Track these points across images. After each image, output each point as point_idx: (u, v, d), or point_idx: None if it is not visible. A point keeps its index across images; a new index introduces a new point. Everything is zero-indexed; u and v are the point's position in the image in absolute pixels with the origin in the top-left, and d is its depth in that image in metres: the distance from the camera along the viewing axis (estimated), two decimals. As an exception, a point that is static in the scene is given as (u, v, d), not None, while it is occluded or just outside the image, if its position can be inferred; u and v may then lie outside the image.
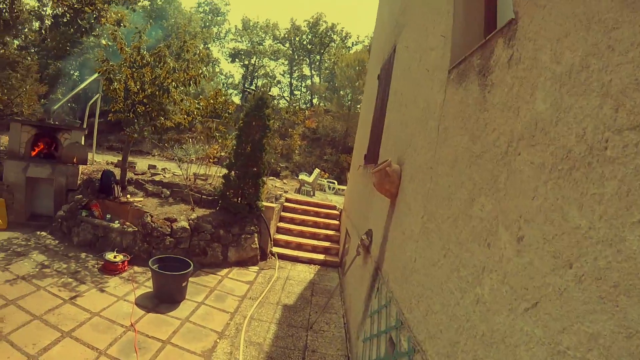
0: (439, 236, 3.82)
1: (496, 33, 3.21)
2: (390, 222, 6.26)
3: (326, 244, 13.51)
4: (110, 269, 10.31)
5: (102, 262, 10.49)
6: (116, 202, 12.79)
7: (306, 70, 46.45)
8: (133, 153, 24.31)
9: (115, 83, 12.73)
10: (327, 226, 14.60)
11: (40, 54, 27.06)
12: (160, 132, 13.73)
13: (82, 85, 15.56)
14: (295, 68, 45.76)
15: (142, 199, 13.38)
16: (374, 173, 6.11)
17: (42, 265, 10.12)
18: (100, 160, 16.45)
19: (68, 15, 10.77)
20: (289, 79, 45.42)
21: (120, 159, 17.09)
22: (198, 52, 13.42)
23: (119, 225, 11.85)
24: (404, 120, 6.55)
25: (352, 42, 44.99)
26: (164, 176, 15.48)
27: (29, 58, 23.46)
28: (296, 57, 44.60)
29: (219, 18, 45.03)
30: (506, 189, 2.70)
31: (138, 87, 12.77)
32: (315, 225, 14.65)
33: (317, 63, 44.53)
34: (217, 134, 14.82)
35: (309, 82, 45.29)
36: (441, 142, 4.33)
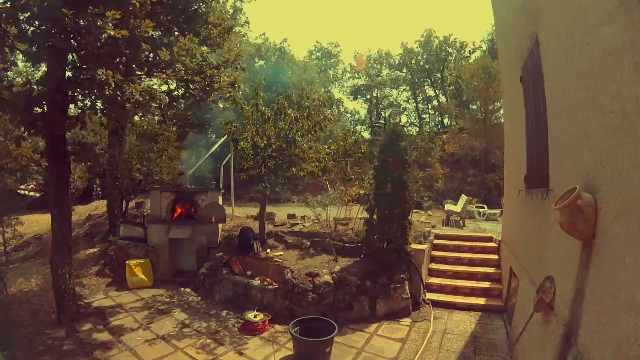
0: None
1: None
2: (587, 274, 4.40)
3: (485, 284, 11.39)
4: (250, 329, 9.65)
5: (242, 322, 9.90)
6: (256, 258, 12.29)
7: (430, 91, 43.89)
8: (272, 202, 24.41)
9: (242, 142, 12.41)
10: (484, 262, 12.38)
11: (177, 125, 29.04)
12: (293, 182, 13.08)
13: (213, 149, 15.87)
14: (418, 91, 43.46)
15: (282, 252, 12.70)
16: (559, 210, 4.29)
17: (182, 324, 9.88)
18: (241, 214, 16.43)
19: (182, 88, 10.64)
20: (414, 104, 43.21)
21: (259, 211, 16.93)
22: (318, 97, 12.63)
23: (259, 282, 11.28)
24: (584, 129, 4.70)
25: (469, 50, 41.40)
26: (304, 225, 14.75)
27: (173, 129, 25.30)
28: (416, 80, 42.24)
29: (332, 60, 45.10)
30: None
31: (265, 142, 12.30)
32: (471, 262, 12.51)
33: (440, 81, 41.74)
34: (353, 175, 13.79)
35: (435, 102, 42.61)
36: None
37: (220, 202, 13.80)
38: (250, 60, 32.13)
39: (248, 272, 11.99)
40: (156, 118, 30.38)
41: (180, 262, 13.93)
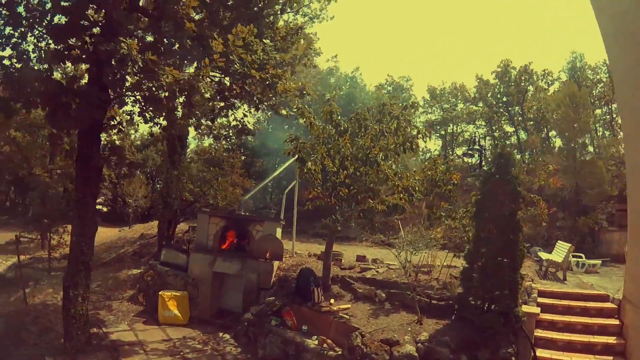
0: None
1: None
2: None
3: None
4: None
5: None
6: (315, 310, 9.34)
7: (507, 127, 38.67)
8: (338, 239, 21.10)
9: (310, 163, 9.59)
10: (603, 330, 8.54)
11: (245, 153, 27.20)
12: (369, 216, 9.99)
13: (276, 173, 12.97)
14: (494, 127, 38.48)
15: (349, 305, 9.77)
16: None
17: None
18: (302, 251, 13.41)
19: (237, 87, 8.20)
20: (492, 141, 38.07)
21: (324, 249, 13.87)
22: (402, 114, 9.51)
23: (316, 343, 8.52)
24: None
25: (548, 82, 35.96)
26: (377, 271, 11.54)
27: (241, 157, 23.38)
28: (494, 115, 37.23)
29: (404, 95, 41.64)
30: None
31: (337, 165, 9.47)
32: (586, 329, 8.67)
33: (519, 115, 36.63)
34: (442, 213, 10.42)
35: (513, 139, 37.21)
36: None
37: (279, 235, 10.87)
38: (320, 87, 29.82)
39: (303, 328, 9.12)
40: (224, 143, 28.91)
41: (224, 299, 11.19)
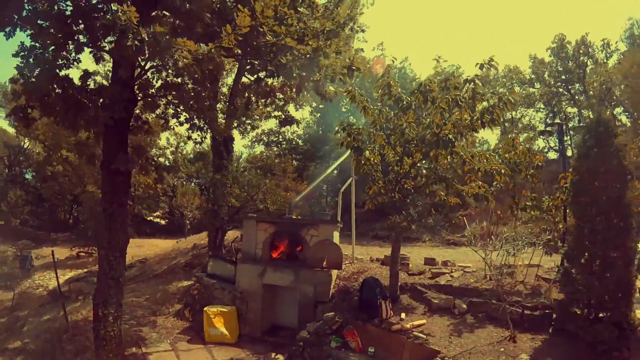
0: None
1: None
2: None
3: None
4: None
5: None
6: (384, 328, 7.58)
7: (569, 108, 33.83)
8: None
9: (367, 152, 7.89)
10: None
11: (297, 158, 25.88)
12: (443, 212, 8.14)
13: (328, 171, 11.24)
14: (555, 109, 33.95)
15: (423, 320, 7.95)
16: None
17: None
18: (363, 256, 11.59)
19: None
20: (552, 123, 33.41)
21: (388, 253, 11.97)
22: (478, 78, 7.47)
23: None
24: None
25: (609, 52, 31.35)
26: (452, 276, 9.55)
27: (293, 162, 22.13)
28: (553, 97, 32.65)
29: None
30: None
31: (400, 152, 7.69)
32: None
33: (580, 94, 32.04)
34: (527, 203, 8.31)
35: (575, 121, 32.64)
36: None
37: (336, 239, 9.14)
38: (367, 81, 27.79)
39: (370, 350, 7.40)
40: (275, 150, 27.85)
41: (277, 314, 9.59)
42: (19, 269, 18.85)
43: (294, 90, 9.31)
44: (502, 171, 7.62)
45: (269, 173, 13.82)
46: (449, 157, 7.55)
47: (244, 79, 11.80)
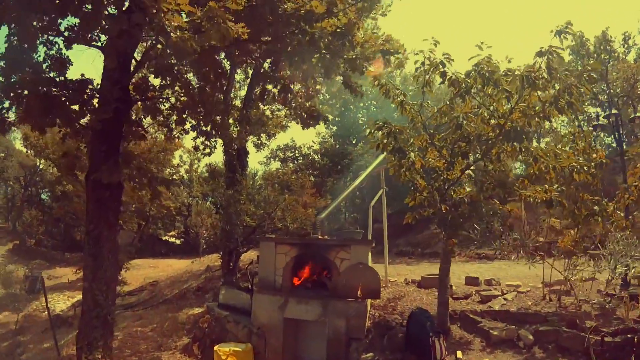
0: None
1: None
2: None
3: None
4: None
5: None
6: None
7: (589, 108, 30.44)
8: (425, 256, 17.09)
9: (413, 154, 6.23)
10: None
11: (314, 174, 24.26)
12: (491, 224, 6.47)
13: (357, 182, 9.54)
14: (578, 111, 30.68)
15: (485, 358, 5.90)
16: None
17: None
18: (396, 278, 9.76)
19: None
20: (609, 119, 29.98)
21: (420, 272, 10.16)
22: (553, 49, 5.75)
23: None
24: None
25: (627, 46, 28.13)
26: (504, 299, 7.81)
27: (310, 177, 20.58)
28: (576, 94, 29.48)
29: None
30: None
31: (446, 156, 6.08)
32: None
33: (604, 93, 28.74)
34: (596, 207, 6.49)
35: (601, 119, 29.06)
36: None
37: (370, 261, 7.37)
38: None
39: None
40: (291, 165, 26.24)
41: (300, 350, 7.77)
42: (25, 291, 17.42)
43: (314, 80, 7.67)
44: (585, 168, 5.88)
45: (286, 189, 12.19)
46: (515, 155, 5.86)
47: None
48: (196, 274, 17.04)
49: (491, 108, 5.88)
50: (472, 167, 6.50)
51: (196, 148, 8.30)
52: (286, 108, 11.53)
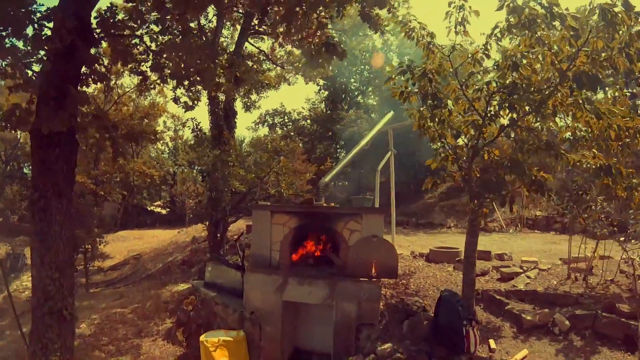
0: None
1: None
2: None
3: None
4: None
5: None
6: None
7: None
8: (419, 226, 16.03)
9: (451, 102, 5.13)
10: None
11: (304, 140, 22.78)
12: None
13: (362, 143, 8.08)
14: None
15: (523, 349, 5.15)
16: None
17: None
18: (400, 250, 8.49)
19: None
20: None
21: (421, 243, 8.96)
22: None
23: None
24: None
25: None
26: (527, 276, 6.71)
27: (299, 143, 19.19)
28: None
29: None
30: None
31: (479, 110, 4.92)
32: None
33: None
34: (634, 180, 5.30)
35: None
36: None
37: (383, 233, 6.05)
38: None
39: None
40: (279, 131, 24.76)
41: (302, 336, 6.59)
42: (6, 270, 15.89)
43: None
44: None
45: (275, 155, 10.72)
46: (581, 107, 4.52)
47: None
48: (181, 246, 15.68)
49: (555, 48, 4.49)
50: (518, 123, 5.15)
51: (176, 100, 6.75)
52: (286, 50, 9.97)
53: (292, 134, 22.09)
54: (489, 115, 5.04)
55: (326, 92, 24.21)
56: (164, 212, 31.68)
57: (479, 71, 5.15)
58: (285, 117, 25.49)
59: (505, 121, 5.06)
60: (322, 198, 6.44)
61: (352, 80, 24.26)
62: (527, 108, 4.81)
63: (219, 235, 9.54)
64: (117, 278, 14.02)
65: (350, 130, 19.64)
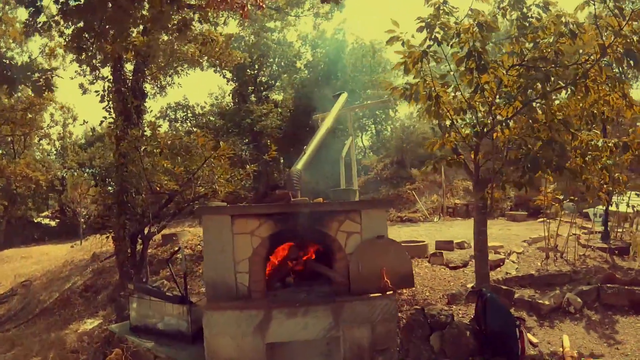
0: None
1: None
2: None
3: None
4: None
5: None
6: None
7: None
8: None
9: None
10: None
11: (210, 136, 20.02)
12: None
13: (325, 126, 6.21)
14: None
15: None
16: None
17: None
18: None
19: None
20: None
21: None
22: None
23: None
24: None
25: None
26: (512, 262, 6.51)
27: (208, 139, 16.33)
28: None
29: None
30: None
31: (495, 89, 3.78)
32: None
33: None
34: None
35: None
36: None
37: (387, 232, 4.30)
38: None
39: None
40: (184, 125, 21.53)
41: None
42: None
43: None
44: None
45: (185, 152, 7.91)
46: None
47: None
48: (79, 266, 12.17)
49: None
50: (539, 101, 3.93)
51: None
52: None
53: (195, 129, 19.21)
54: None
55: (235, 84, 21.51)
56: (53, 223, 26.11)
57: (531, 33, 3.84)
58: (189, 112, 22.33)
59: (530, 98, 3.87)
60: (298, 192, 4.45)
61: (262, 72, 22.05)
62: (560, 82, 3.72)
63: (138, 253, 6.89)
64: (5, 316, 10.21)
65: (261, 124, 17.69)
